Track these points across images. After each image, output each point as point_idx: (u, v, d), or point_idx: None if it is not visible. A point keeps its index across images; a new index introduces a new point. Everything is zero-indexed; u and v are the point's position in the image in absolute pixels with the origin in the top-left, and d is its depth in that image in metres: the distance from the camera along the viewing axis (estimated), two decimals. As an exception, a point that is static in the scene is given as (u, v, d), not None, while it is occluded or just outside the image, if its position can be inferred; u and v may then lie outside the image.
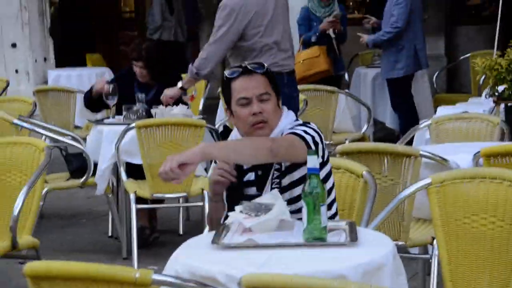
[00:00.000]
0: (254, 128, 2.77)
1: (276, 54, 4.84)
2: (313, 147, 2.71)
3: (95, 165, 5.01)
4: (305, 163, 2.56)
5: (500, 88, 4.57)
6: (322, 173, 2.77)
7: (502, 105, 4.64)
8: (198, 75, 4.99)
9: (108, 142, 4.97)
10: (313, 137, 2.74)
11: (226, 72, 2.85)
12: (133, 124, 4.71)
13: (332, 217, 2.79)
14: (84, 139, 5.22)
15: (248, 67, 2.81)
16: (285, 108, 2.89)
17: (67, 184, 5.21)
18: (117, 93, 5.19)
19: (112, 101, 5.19)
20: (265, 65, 2.85)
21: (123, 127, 4.81)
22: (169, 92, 5.15)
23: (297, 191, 2.75)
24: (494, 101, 4.65)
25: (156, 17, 10.16)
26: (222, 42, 4.83)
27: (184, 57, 10.02)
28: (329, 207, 2.77)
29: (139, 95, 5.18)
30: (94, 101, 5.32)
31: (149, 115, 5.07)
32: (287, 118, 2.85)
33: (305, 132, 2.74)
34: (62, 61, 9.75)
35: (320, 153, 2.76)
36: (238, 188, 2.82)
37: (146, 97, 5.21)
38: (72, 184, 5.18)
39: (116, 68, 8.64)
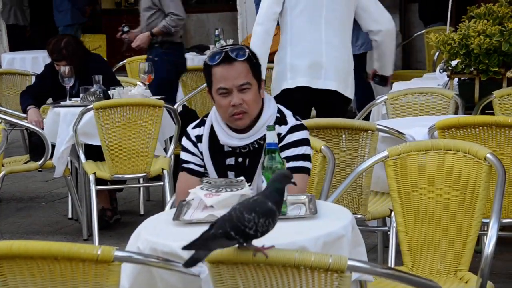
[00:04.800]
0: (233, 118, 2.80)
1: None
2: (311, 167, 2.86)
3: (53, 147, 4.97)
4: None
5: (454, 62, 4.65)
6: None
7: (456, 79, 4.72)
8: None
9: (65, 124, 4.93)
10: (308, 156, 2.86)
11: (207, 57, 2.80)
12: (91, 105, 4.68)
13: None
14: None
15: (230, 53, 2.74)
16: (267, 96, 2.88)
17: (25, 167, 5.14)
18: (74, 74, 5.14)
19: (69, 83, 5.14)
20: (247, 50, 2.78)
21: (80, 109, 4.77)
22: (142, 37, 6.17)
23: None
24: (448, 76, 4.73)
25: None
26: None
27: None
28: None
29: (96, 77, 5.13)
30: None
31: (106, 96, 5.04)
32: (270, 109, 2.85)
33: (303, 157, 2.83)
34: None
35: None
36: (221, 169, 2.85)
37: (73, 89, 5.15)
38: (30, 166, 5.12)
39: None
